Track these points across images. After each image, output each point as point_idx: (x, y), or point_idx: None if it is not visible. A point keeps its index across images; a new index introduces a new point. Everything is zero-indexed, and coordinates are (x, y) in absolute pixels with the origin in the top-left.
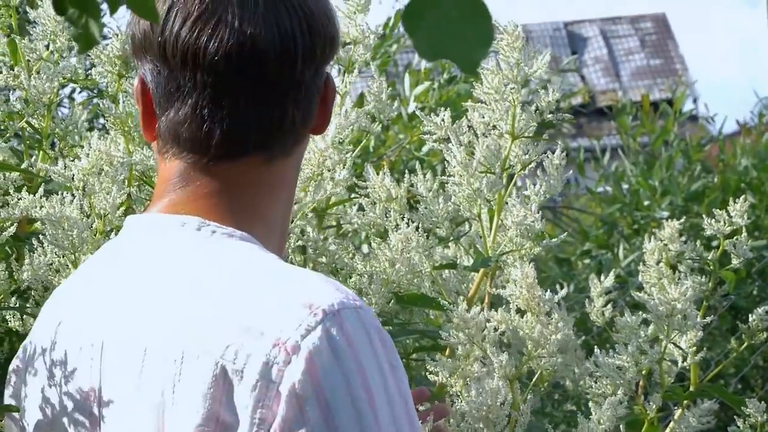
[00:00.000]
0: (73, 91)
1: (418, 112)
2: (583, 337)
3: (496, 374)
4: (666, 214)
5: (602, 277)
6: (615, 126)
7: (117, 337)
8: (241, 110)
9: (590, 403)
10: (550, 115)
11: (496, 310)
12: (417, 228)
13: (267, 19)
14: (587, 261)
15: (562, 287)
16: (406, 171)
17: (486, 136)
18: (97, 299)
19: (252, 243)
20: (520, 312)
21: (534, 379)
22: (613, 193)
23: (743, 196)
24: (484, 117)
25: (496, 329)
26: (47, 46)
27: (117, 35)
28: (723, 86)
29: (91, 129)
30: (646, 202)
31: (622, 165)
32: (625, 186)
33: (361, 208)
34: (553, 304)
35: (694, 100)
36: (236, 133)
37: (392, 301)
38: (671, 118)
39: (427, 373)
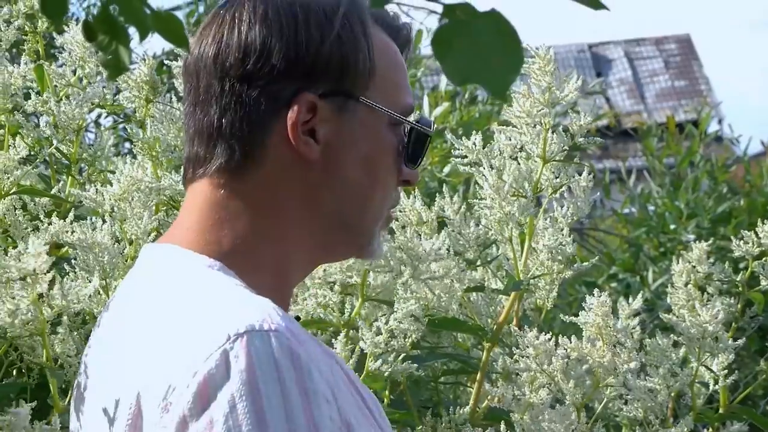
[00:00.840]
0: (99, 116)
1: (449, 136)
2: None
3: (567, 401)
4: (692, 236)
5: (630, 300)
6: (640, 147)
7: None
8: (191, 125)
9: (623, 429)
10: (581, 139)
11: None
12: (448, 251)
13: (213, 33)
14: (614, 284)
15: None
16: (436, 194)
17: (514, 159)
18: (99, 333)
19: (212, 271)
20: (591, 340)
21: (600, 408)
22: (639, 215)
23: None
24: (512, 140)
25: (566, 356)
26: (74, 72)
27: (144, 60)
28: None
29: (117, 154)
30: (672, 225)
31: (647, 187)
32: (651, 208)
33: (391, 232)
34: (627, 333)
35: (719, 122)
36: (188, 150)
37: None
38: (697, 140)
39: (475, 401)
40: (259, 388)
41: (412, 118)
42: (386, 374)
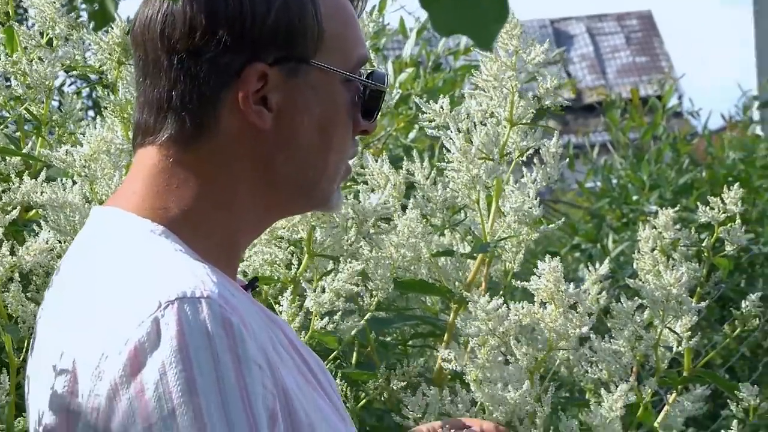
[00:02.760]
0: (63, 83)
1: (417, 100)
2: None
3: (520, 365)
4: (655, 207)
5: (596, 266)
6: (602, 122)
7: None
8: (141, 93)
9: (602, 391)
10: (548, 102)
11: (491, 297)
12: (418, 217)
13: (159, 3)
14: (577, 254)
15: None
16: (401, 160)
17: (483, 124)
18: (48, 294)
19: (154, 235)
20: (543, 304)
21: (552, 372)
22: (602, 187)
23: (737, 184)
24: (482, 105)
25: (517, 321)
26: (42, 34)
27: (116, 23)
28: (707, 84)
29: (80, 120)
30: (634, 196)
31: (610, 159)
32: (614, 180)
33: (356, 196)
34: (579, 297)
35: (680, 98)
36: (138, 117)
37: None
38: (660, 112)
39: (441, 361)
40: (190, 355)
41: (366, 68)
42: (347, 334)
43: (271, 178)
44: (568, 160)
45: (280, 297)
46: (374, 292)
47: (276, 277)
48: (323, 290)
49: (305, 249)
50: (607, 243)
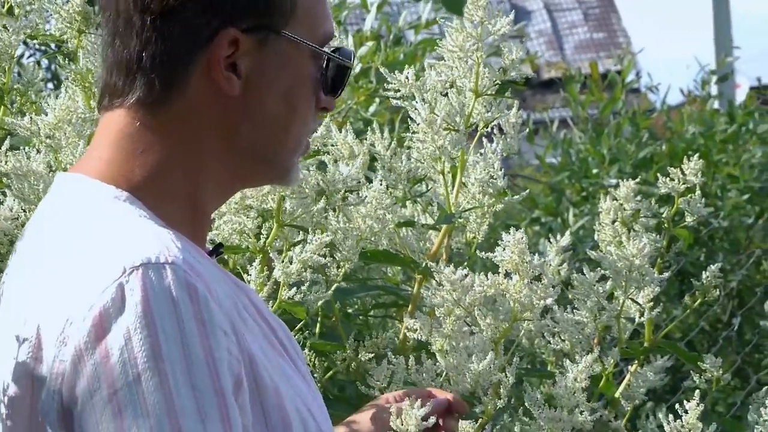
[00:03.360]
0: (22, 56)
1: (382, 70)
2: None
3: (484, 336)
4: (614, 181)
5: (556, 239)
6: (561, 98)
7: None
8: (110, 54)
9: (566, 362)
10: (513, 74)
11: (455, 268)
12: (386, 189)
13: None
14: (537, 228)
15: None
16: (362, 133)
17: (444, 95)
18: (13, 260)
19: (119, 201)
20: (507, 275)
21: (516, 343)
22: (561, 161)
23: (697, 155)
24: (441, 75)
25: (482, 292)
26: (3, 3)
27: None
28: (665, 59)
29: (40, 91)
30: (594, 170)
31: (570, 134)
32: (573, 154)
33: (319, 167)
34: (543, 268)
35: (638, 74)
36: (106, 78)
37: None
38: (620, 86)
39: (405, 331)
40: (155, 321)
41: (333, 44)
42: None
43: (236, 146)
44: (527, 131)
45: (248, 266)
46: (341, 263)
47: (245, 247)
48: (291, 261)
49: (274, 219)
50: (567, 216)
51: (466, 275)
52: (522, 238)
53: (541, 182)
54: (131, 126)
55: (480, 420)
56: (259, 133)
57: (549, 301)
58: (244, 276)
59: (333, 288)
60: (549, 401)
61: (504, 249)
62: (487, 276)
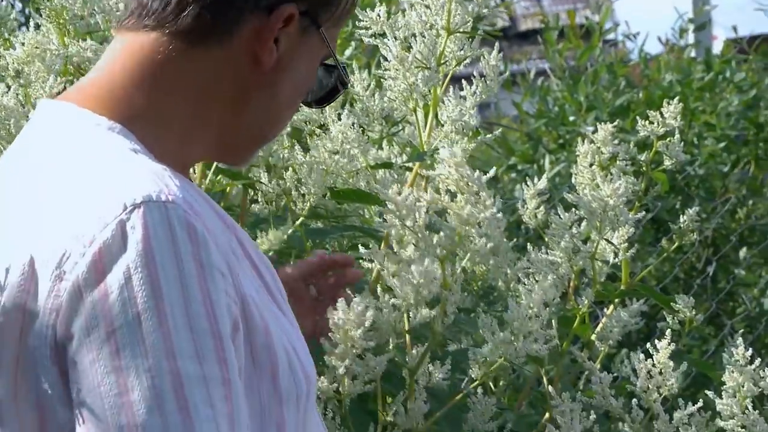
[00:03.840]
0: None
1: (356, 11)
2: (514, 240)
3: (428, 254)
4: (591, 128)
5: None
6: (538, 50)
7: None
8: None
9: (520, 287)
10: (485, 10)
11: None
12: (353, 125)
13: None
14: (513, 175)
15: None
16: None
17: (423, 36)
18: None
19: (112, 133)
20: (451, 194)
21: (465, 260)
22: (538, 109)
23: (677, 98)
24: (422, 17)
25: (427, 211)
26: None
27: None
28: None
29: (14, 31)
30: (571, 117)
31: (548, 81)
32: (550, 102)
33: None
34: (481, 184)
35: (615, 25)
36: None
37: (328, 195)
38: (597, 34)
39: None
40: (155, 260)
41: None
42: (279, 241)
43: (239, 117)
44: (506, 75)
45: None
46: (306, 196)
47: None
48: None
49: None
50: (543, 164)
51: (409, 194)
52: (457, 151)
53: (519, 130)
54: (153, 55)
55: (427, 343)
56: (264, 112)
57: (489, 213)
58: None
59: (298, 222)
60: (502, 326)
61: (444, 165)
62: (428, 192)
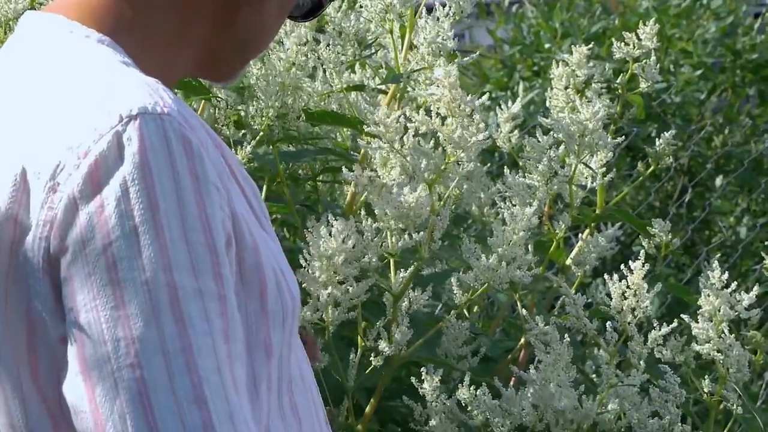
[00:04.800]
0: None
1: None
2: (488, 165)
3: (417, 178)
4: (566, 55)
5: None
6: None
7: None
8: None
9: (505, 214)
10: None
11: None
12: (327, 45)
13: None
14: (487, 102)
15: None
16: None
17: None
18: None
19: (102, 45)
20: (440, 116)
21: (454, 183)
22: (513, 35)
23: (653, 19)
24: None
25: (415, 134)
26: None
27: None
28: None
29: None
30: (546, 44)
31: (522, 8)
32: (525, 29)
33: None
34: (475, 106)
35: None
36: None
37: (302, 117)
38: None
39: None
40: (152, 172)
41: None
42: (243, 161)
43: (227, 29)
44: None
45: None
46: (264, 111)
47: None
48: None
49: None
50: (517, 90)
51: (399, 116)
52: (452, 71)
53: (493, 57)
54: None
55: (414, 265)
56: (250, 27)
57: (481, 137)
58: None
59: (258, 138)
60: (486, 253)
61: (437, 86)
62: (419, 113)
